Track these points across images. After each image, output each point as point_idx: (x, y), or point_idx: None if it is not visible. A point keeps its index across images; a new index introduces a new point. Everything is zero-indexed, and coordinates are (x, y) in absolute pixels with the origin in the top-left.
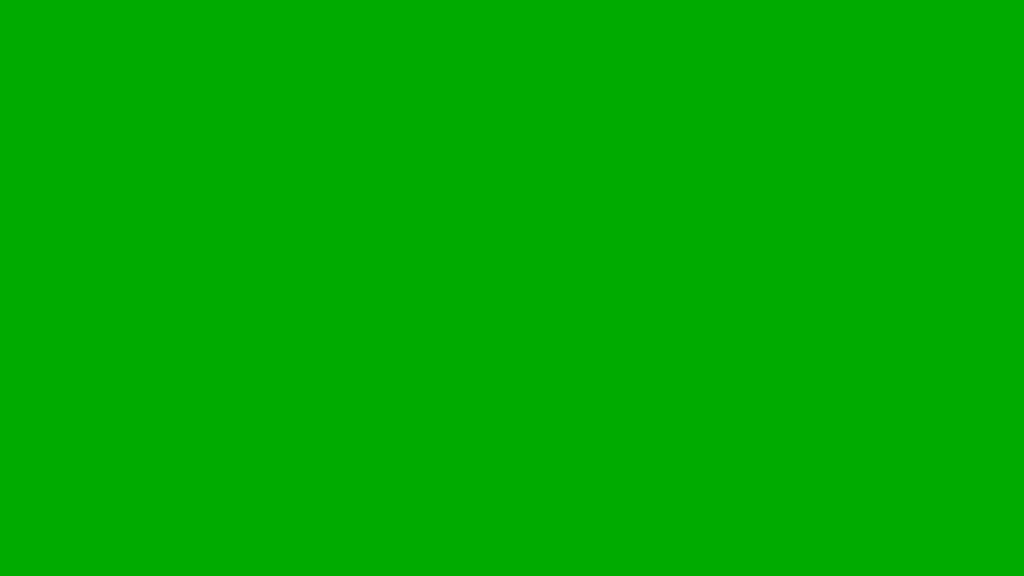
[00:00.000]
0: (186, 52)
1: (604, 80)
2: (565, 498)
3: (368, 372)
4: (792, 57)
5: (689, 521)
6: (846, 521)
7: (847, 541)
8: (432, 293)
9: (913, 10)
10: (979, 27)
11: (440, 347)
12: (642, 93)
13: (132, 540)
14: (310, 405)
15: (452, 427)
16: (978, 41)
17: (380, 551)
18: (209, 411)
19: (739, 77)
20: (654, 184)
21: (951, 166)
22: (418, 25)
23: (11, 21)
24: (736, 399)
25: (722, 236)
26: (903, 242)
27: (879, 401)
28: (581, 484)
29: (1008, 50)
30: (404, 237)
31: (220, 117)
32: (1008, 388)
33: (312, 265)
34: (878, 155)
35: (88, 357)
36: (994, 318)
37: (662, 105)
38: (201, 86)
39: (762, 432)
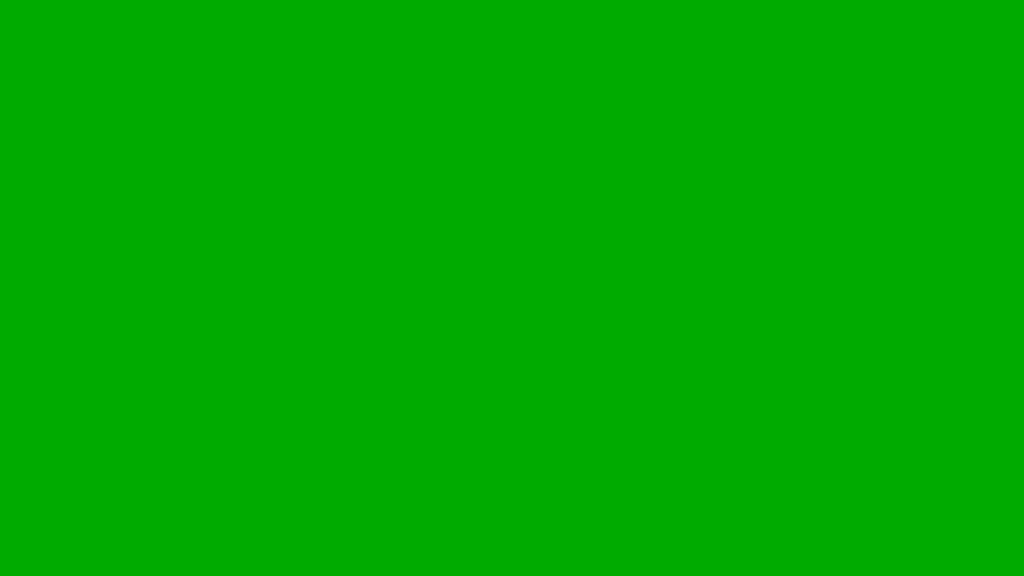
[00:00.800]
0: (186, 52)
1: (604, 80)
2: (565, 498)
3: (368, 372)
4: (792, 57)
5: (689, 521)
6: (846, 521)
7: (847, 541)
8: (432, 293)
9: (913, 10)
10: (979, 27)
11: (440, 347)
12: (642, 93)
13: (132, 540)
14: (310, 405)
15: (452, 427)
16: (978, 41)
17: (380, 551)
18: (209, 411)
19: (739, 77)
20: (654, 184)
21: (951, 166)
22: (418, 25)
23: (11, 21)
24: (736, 399)
25: (722, 236)
26: (903, 242)
27: (879, 401)
28: (581, 484)
29: (1008, 50)
30: (404, 237)
31: (220, 117)
32: (1008, 388)
33: (312, 265)
34: (878, 155)
35: (88, 357)
36: (994, 318)
37: (662, 105)
38: (201, 86)
39: (762, 432)
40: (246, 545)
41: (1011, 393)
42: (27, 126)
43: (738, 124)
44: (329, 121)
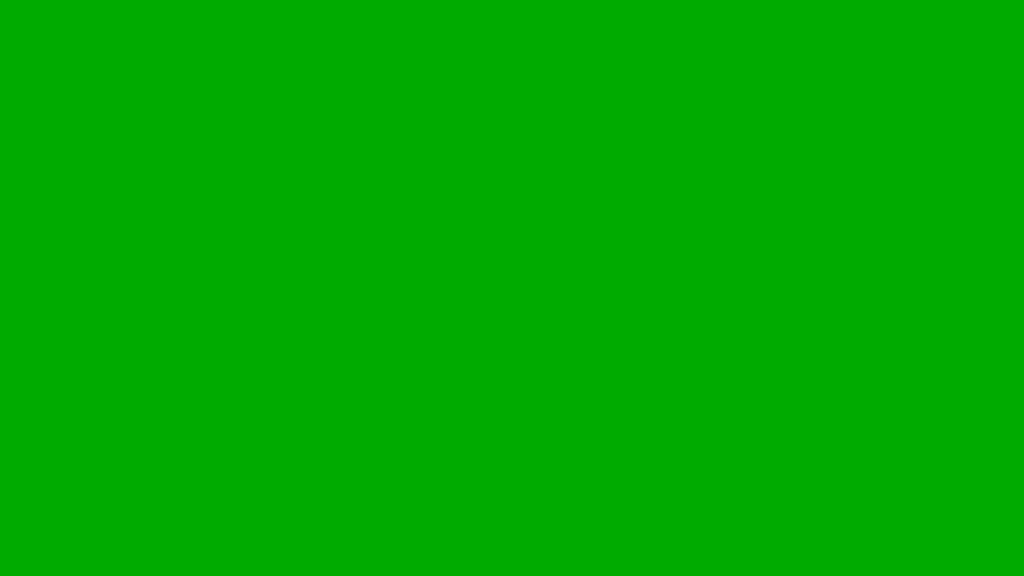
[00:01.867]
0: (186, 52)
1: (604, 80)
2: (565, 498)
3: (368, 372)
4: (792, 57)
5: (689, 521)
6: (846, 521)
7: (847, 541)
8: (432, 293)
9: (913, 10)
10: (979, 27)
11: (440, 347)
12: (642, 93)
13: (132, 540)
14: (310, 405)
15: (452, 427)
16: (978, 41)
17: (380, 551)
18: (209, 411)
19: (739, 77)
20: (654, 184)
21: (951, 166)
22: (418, 25)
23: (11, 21)
24: (736, 399)
25: (722, 236)
26: (903, 242)
27: (879, 401)
28: (581, 484)
29: (1008, 50)
30: (404, 237)
31: (220, 117)
32: (1008, 388)
33: (312, 265)
34: (878, 155)
35: (88, 357)
36: (994, 318)
37: (662, 105)
38: (201, 86)
39: (762, 432)
40: (246, 545)
41: (1011, 393)
42: (27, 126)
43: (738, 124)
44: (329, 121)
